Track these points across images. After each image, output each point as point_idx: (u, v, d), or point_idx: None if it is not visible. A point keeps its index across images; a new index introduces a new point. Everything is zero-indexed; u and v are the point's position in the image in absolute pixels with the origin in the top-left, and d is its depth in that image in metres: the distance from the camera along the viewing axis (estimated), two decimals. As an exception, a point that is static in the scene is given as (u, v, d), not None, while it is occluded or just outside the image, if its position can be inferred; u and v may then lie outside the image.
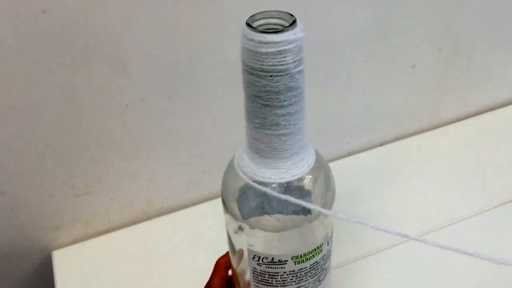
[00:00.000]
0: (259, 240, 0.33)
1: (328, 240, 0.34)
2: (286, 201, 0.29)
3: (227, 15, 0.49)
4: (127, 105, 0.50)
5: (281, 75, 0.26)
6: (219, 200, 0.61)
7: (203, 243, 0.56)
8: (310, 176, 0.31)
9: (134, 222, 0.59)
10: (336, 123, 0.63)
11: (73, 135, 0.50)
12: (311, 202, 0.31)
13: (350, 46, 0.57)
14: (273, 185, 0.30)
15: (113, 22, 0.45)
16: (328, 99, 0.60)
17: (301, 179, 0.31)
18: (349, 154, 0.67)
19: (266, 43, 0.25)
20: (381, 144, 0.68)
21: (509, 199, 0.57)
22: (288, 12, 0.27)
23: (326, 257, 0.35)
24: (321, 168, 0.33)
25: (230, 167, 0.34)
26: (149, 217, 0.60)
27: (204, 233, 0.57)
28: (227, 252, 0.42)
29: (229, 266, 0.42)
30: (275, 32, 0.25)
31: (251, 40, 0.26)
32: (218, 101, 0.54)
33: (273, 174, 0.30)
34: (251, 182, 0.30)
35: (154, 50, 0.48)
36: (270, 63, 0.26)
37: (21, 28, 0.42)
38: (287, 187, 0.31)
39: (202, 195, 0.61)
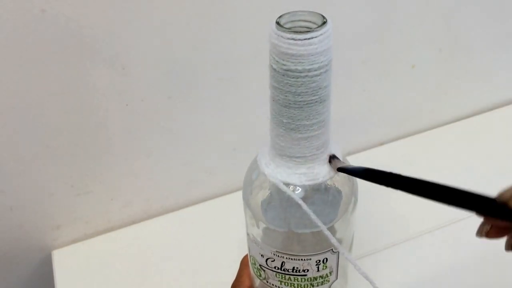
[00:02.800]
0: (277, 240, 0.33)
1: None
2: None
3: (228, 15, 0.49)
4: (127, 105, 0.50)
5: (309, 75, 0.26)
6: (219, 200, 0.61)
7: (203, 243, 0.56)
8: (340, 175, 0.31)
9: (134, 222, 0.59)
10: (336, 123, 0.63)
11: (73, 135, 0.50)
12: (341, 201, 0.31)
13: (350, 46, 0.57)
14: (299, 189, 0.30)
15: (113, 22, 0.45)
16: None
17: (332, 179, 0.31)
18: (349, 154, 0.67)
19: (296, 43, 0.25)
20: (381, 144, 0.68)
21: (509, 199, 0.57)
22: (319, 12, 0.27)
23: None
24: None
25: (252, 169, 0.33)
26: (149, 217, 0.60)
27: (204, 233, 0.57)
28: None
29: None
30: (306, 32, 0.25)
31: (280, 39, 0.25)
32: (218, 101, 0.54)
33: (304, 176, 0.30)
34: (289, 191, 0.30)
35: (154, 50, 0.48)
36: (299, 63, 0.26)
37: (21, 28, 0.42)
38: (318, 189, 0.30)
39: (202, 195, 0.61)
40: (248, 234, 0.36)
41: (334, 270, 0.34)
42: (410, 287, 0.49)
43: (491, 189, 0.64)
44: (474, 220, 0.58)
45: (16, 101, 0.46)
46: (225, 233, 0.56)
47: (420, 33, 0.60)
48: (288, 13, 0.27)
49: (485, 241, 0.30)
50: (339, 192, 0.32)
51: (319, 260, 0.33)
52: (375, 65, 0.60)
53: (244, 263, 0.41)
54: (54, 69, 0.45)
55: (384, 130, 0.68)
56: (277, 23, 0.26)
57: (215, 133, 0.57)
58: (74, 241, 0.57)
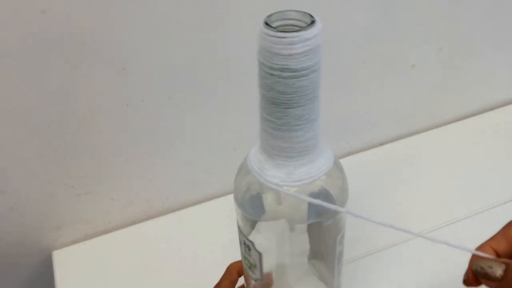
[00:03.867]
0: (271, 241, 0.32)
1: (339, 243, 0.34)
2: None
3: (227, 15, 0.49)
4: (127, 105, 0.50)
5: (297, 75, 0.26)
6: (219, 200, 0.61)
7: (203, 243, 0.56)
8: (328, 177, 0.31)
9: (134, 222, 0.59)
10: (336, 123, 0.63)
11: (73, 135, 0.50)
12: (332, 202, 0.31)
13: (350, 46, 0.57)
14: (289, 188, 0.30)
15: (113, 22, 0.45)
16: (328, 99, 0.60)
17: (320, 180, 0.31)
18: (349, 153, 0.67)
19: (282, 42, 0.25)
20: (381, 144, 0.68)
21: (509, 199, 0.57)
22: (307, 12, 0.27)
23: (339, 257, 0.34)
24: (337, 168, 0.33)
25: (243, 170, 0.33)
26: (149, 217, 0.60)
27: (204, 233, 0.57)
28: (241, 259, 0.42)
29: (240, 272, 0.41)
30: (293, 31, 0.25)
31: (267, 38, 0.26)
32: (218, 101, 0.54)
33: (291, 177, 0.30)
34: (279, 188, 0.30)
35: (154, 50, 0.48)
36: (286, 63, 0.26)
37: (21, 28, 0.42)
38: (308, 190, 0.30)
39: (202, 195, 0.61)
40: (240, 234, 0.35)
41: None
42: (410, 287, 0.49)
43: (490, 189, 0.64)
44: (473, 220, 0.58)
45: (16, 101, 0.46)
46: (225, 233, 0.56)
47: (420, 33, 0.60)
48: (277, 12, 0.27)
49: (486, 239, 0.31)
50: (328, 192, 0.32)
51: None
52: (375, 65, 0.60)
53: (229, 269, 0.42)
54: (54, 69, 0.45)
55: (384, 130, 0.68)
56: (266, 22, 0.26)
57: (215, 133, 0.57)
58: (75, 241, 0.57)
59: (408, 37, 0.60)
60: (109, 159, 0.53)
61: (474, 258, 0.28)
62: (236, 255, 0.44)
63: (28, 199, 0.52)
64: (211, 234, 0.57)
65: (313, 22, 0.26)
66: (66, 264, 0.55)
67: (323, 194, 0.32)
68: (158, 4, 0.46)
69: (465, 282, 0.29)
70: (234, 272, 0.41)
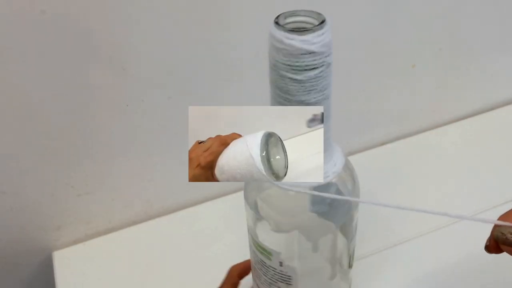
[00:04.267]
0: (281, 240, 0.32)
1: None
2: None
3: (228, 14, 0.49)
4: (127, 105, 0.50)
5: (303, 74, 0.26)
6: (219, 200, 0.61)
7: (203, 243, 0.56)
8: (341, 176, 0.31)
9: (134, 222, 0.59)
10: (336, 122, 0.63)
11: (73, 135, 0.50)
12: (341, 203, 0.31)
13: (350, 45, 0.57)
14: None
15: (113, 22, 0.45)
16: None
17: (333, 179, 0.30)
18: (350, 153, 0.67)
19: (288, 42, 0.25)
20: (381, 144, 0.68)
21: (509, 199, 0.57)
22: (318, 12, 0.27)
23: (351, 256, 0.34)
24: (347, 167, 0.33)
25: None
26: (149, 217, 0.60)
27: (204, 233, 0.57)
28: (242, 262, 0.42)
29: (241, 274, 0.42)
30: (300, 31, 0.25)
31: (274, 37, 0.26)
32: (218, 101, 0.54)
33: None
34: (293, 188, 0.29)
35: (154, 50, 0.48)
36: (292, 62, 0.26)
37: (21, 28, 0.42)
38: (317, 187, 0.30)
39: (202, 195, 0.61)
40: (249, 234, 0.35)
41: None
42: (411, 287, 0.49)
43: (490, 189, 0.64)
44: (470, 221, 0.58)
45: (16, 101, 0.46)
46: (225, 233, 0.56)
47: (420, 33, 0.60)
48: (287, 12, 0.27)
49: (481, 243, 0.31)
50: (341, 192, 0.32)
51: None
52: (375, 64, 0.60)
53: (230, 273, 0.42)
54: (54, 69, 0.45)
55: (384, 130, 0.68)
56: (276, 22, 0.26)
57: (215, 133, 0.56)
58: (75, 241, 0.57)
59: (408, 37, 0.60)
60: (109, 159, 0.53)
61: (497, 225, 0.28)
62: (236, 255, 0.44)
63: (28, 199, 0.52)
64: (211, 234, 0.57)
65: (323, 21, 0.26)
66: (66, 264, 0.55)
67: (337, 193, 0.32)
68: (158, 4, 0.46)
69: (487, 247, 0.29)
70: (235, 275, 0.41)
